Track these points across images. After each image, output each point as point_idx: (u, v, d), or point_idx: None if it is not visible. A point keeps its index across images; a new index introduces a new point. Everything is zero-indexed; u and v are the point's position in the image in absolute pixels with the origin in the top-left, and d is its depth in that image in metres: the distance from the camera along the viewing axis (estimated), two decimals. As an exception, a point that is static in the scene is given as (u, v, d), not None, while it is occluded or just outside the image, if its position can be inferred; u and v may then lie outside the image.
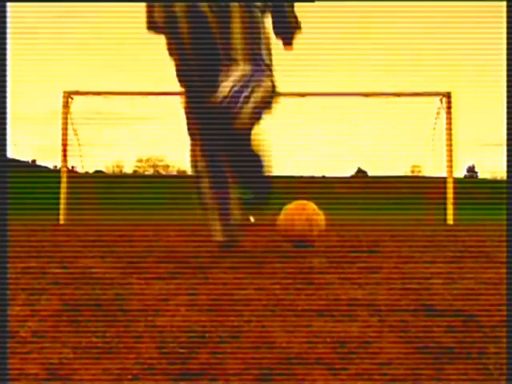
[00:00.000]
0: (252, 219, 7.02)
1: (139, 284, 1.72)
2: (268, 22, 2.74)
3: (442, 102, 8.41)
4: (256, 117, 2.39)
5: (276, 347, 0.99)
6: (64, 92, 8.44)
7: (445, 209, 8.20)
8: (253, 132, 2.47)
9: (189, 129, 2.74)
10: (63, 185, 8.28)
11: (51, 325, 1.16)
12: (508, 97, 2.15)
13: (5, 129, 1.78)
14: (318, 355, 0.94)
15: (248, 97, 2.30)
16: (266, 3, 2.64)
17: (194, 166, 2.77)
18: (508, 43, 2.22)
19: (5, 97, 1.77)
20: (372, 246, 3.34)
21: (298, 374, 0.85)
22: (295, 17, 2.86)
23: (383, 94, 8.62)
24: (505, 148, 2.21)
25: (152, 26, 2.68)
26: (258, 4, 2.53)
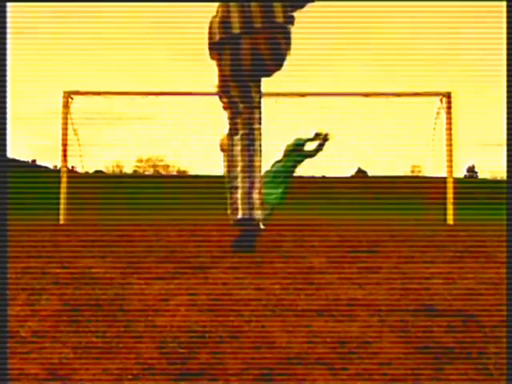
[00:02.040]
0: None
1: (139, 284, 1.72)
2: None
3: (442, 102, 8.41)
4: None
5: (276, 347, 0.99)
6: (64, 92, 8.44)
7: (445, 209, 8.20)
8: None
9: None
10: (63, 185, 8.28)
11: (51, 325, 1.16)
12: (508, 97, 2.15)
13: (5, 129, 1.78)
14: (318, 355, 0.94)
15: None
16: None
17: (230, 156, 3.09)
18: (508, 43, 2.23)
19: (5, 97, 1.78)
20: (372, 246, 3.34)
21: (298, 373, 0.85)
22: None
23: (383, 93, 8.62)
24: (505, 148, 2.21)
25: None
26: None
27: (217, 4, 3.07)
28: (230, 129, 3.07)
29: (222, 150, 3.46)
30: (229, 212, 3.01)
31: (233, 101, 3.04)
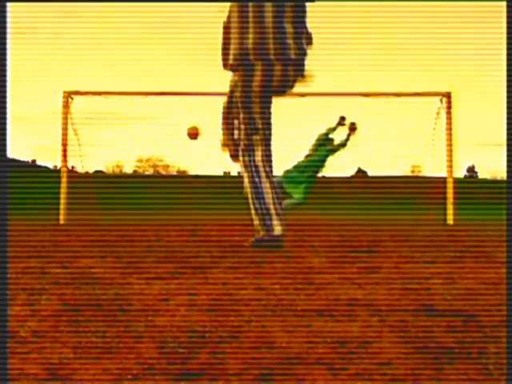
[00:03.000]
0: None
1: (139, 284, 1.72)
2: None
3: (442, 102, 8.40)
4: None
5: (276, 347, 0.99)
6: (64, 92, 8.44)
7: (445, 209, 8.20)
8: None
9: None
10: (63, 185, 8.28)
11: (51, 325, 1.16)
12: (508, 97, 2.15)
13: (5, 129, 1.78)
14: (318, 355, 0.94)
15: None
16: None
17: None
18: (508, 43, 2.23)
19: (5, 97, 1.78)
20: (372, 246, 3.34)
21: (298, 374, 0.85)
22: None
23: (383, 93, 8.62)
24: (505, 148, 2.22)
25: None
26: None
27: (229, 4, 3.21)
28: (246, 145, 3.17)
29: (191, 138, 3.75)
30: (258, 223, 3.13)
31: (252, 117, 3.15)
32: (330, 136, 6.65)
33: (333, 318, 1.22)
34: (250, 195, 3.18)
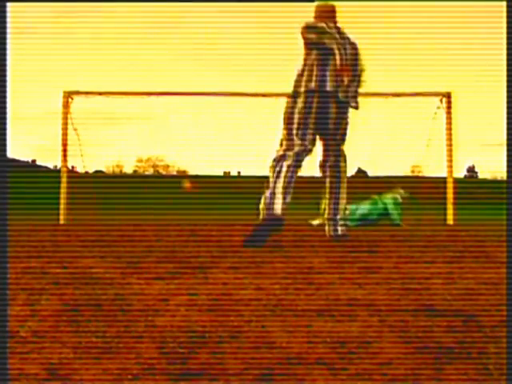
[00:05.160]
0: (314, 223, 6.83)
1: (139, 284, 1.72)
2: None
3: (441, 102, 8.40)
4: None
5: (276, 347, 0.99)
6: (64, 92, 8.43)
7: (445, 209, 8.19)
8: None
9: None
10: (63, 185, 8.27)
11: (51, 325, 1.16)
12: (508, 97, 2.15)
13: (5, 129, 1.78)
14: (318, 355, 0.94)
15: None
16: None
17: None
18: (508, 43, 2.23)
19: (5, 97, 1.78)
20: (372, 246, 3.34)
21: (298, 373, 0.85)
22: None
23: (383, 94, 8.62)
24: (505, 148, 2.22)
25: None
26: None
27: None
28: (282, 154, 3.52)
29: (186, 190, 4.70)
30: (262, 206, 3.41)
31: (291, 133, 3.54)
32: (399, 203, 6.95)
33: (333, 318, 1.22)
34: (271, 178, 3.46)
